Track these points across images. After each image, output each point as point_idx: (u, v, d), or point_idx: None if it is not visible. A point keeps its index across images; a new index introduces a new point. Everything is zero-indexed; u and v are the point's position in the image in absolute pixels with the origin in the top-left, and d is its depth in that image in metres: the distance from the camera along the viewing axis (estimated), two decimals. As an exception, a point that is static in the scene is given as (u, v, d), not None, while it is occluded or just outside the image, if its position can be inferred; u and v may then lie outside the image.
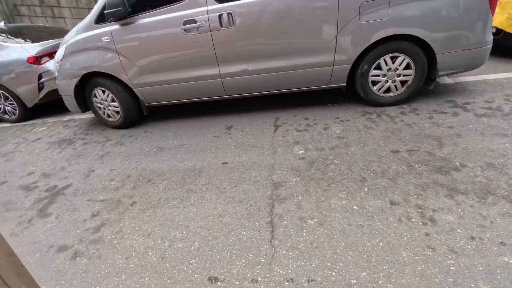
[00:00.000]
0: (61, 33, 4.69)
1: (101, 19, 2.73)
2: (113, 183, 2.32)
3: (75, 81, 3.04)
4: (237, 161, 2.31)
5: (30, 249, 1.81)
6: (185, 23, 2.55)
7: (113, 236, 1.78)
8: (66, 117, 4.03)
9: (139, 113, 3.19)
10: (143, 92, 2.99)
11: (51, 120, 4.05)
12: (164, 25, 2.61)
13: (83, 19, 3.01)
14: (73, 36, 2.93)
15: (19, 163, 2.95)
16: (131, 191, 2.17)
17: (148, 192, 2.13)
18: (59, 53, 3.03)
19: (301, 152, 2.28)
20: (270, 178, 2.04)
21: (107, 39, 2.75)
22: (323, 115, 2.81)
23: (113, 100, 3.09)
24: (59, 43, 4.03)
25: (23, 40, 4.03)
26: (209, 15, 2.49)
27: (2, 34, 4.10)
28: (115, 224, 1.87)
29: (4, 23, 4.50)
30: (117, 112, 3.17)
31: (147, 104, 3.12)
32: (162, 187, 2.16)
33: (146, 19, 2.64)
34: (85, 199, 2.19)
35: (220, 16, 2.48)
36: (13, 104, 4.04)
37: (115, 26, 2.71)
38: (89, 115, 3.90)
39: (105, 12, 2.60)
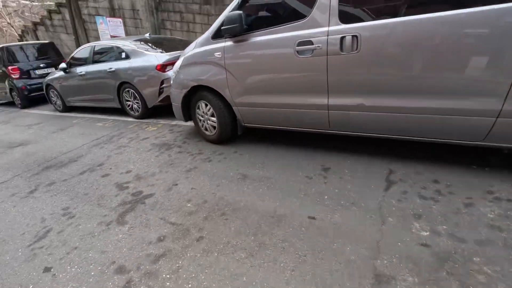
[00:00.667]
0: (184, 44, 5.20)
1: (218, 35, 2.71)
2: (188, 205, 2.17)
3: (184, 91, 3.15)
4: (328, 219, 1.80)
5: (97, 257, 1.77)
6: (300, 44, 2.23)
7: (168, 276, 1.55)
8: (174, 122, 4.34)
9: (234, 131, 3.06)
10: (241, 112, 2.84)
11: (162, 122, 4.44)
12: (277, 44, 2.37)
13: (203, 34, 3.09)
14: (191, 49, 3.04)
15: (125, 158, 3.22)
16: (202, 222, 1.95)
17: (218, 229, 1.86)
18: (177, 64, 3.21)
19: (424, 234, 1.59)
20: (372, 263, 1.45)
21: (219, 54, 2.72)
22: (464, 181, 1.99)
23: (212, 115, 3.06)
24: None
25: (159, 50, 4.58)
26: (329, 36, 2.10)
27: (149, 44, 4.77)
28: (175, 260, 1.65)
29: (149, 34, 5.31)
30: (214, 127, 3.12)
31: (243, 124, 2.95)
32: (234, 228, 1.84)
33: (260, 37, 2.47)
34: (159, 216, 2.09)
35: (342, 38, 2.05)
36: (139, 103, 4.63)
37: (228, 43, 2.64)
38: (191, 123, 4.07)
39: (222, 28, 2.56)
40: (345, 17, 2.07)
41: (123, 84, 4.68)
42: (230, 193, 2.25)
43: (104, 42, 5.08)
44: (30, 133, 4.90)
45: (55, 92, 6.04)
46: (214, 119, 3.06)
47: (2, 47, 7.28)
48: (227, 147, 3.12)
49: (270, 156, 2.78)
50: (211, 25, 2.98)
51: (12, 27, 18.02)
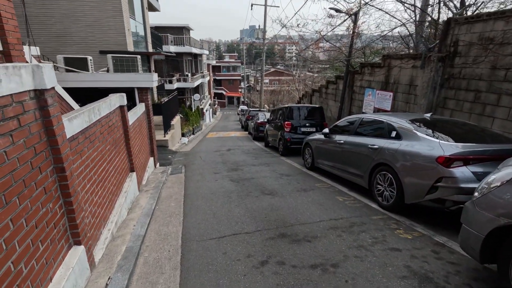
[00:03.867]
0: (481, 134, 3.70)
1: None
2: None
3: (502, 222, 1.85)
4: None
5: None
6: None
7: None
8: (440, 238, 2.99)
9: None
10: None
11: (420, 229, 3.22)
12: None
13: None
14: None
15: (367, 274, 2.35)
16: None
17: None
18: (506, 173, 1.96)
19: None
20: None
21: None
22: None
23: None
24: (489, 150, 3.06)
25: (446, 137, 3.46)
26: None
27: (430, 126, 3.82)
28: None
29: (431, 114, 4.34)
30: None
31: None
32: None
33: None
34: None
35: None
36: (393, 192, 3.72)
37: None
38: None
39: None
40: None
41: (380, 165, 3.99)
42: None
43: (374, 116, 4.72)
44: (280, 183, 5.35)
45: (309, 150, 6.52)
46: None
47: (287, 106, 9.18)
48: None
49: None
50: None
51: (298, 91, 23.80)
